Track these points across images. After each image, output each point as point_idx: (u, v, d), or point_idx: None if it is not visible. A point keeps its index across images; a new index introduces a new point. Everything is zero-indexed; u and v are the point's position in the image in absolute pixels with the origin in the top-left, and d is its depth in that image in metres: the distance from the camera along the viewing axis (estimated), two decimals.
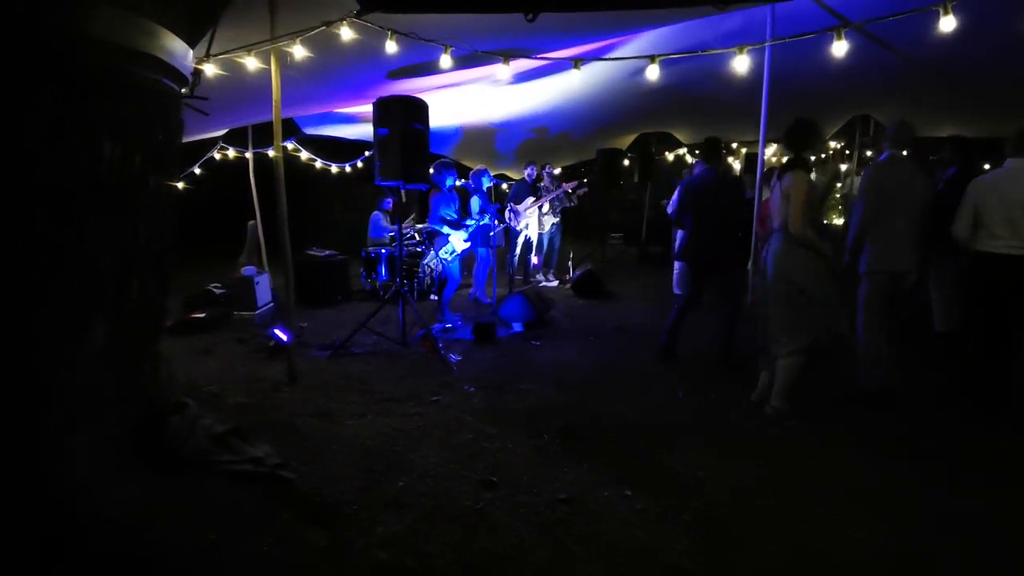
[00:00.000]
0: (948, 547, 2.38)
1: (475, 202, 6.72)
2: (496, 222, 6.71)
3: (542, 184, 8.29)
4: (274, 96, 3.94)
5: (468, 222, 6.38)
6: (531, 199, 8.04)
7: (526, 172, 8.16)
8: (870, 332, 3.87)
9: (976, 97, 6.29)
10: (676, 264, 6.73)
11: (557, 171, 9.36)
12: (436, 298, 7.32)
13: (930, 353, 4.89)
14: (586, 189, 8.63)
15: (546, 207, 8.23)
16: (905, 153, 3.89)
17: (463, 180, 7.31)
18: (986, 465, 3.09)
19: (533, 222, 8.15)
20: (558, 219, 8.53)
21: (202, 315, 5.92)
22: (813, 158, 4.90)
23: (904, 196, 3.74)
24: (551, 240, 8.62)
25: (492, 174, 7.40)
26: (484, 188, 6.89)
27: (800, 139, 3.53)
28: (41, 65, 2.00)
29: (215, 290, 6.52)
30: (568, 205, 8.56)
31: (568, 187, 8.28)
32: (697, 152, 12.00)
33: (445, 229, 6.09)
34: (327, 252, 7.40)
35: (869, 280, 3.89)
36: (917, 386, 4.13)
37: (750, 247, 5.75)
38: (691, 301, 4.77)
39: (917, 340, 5.01)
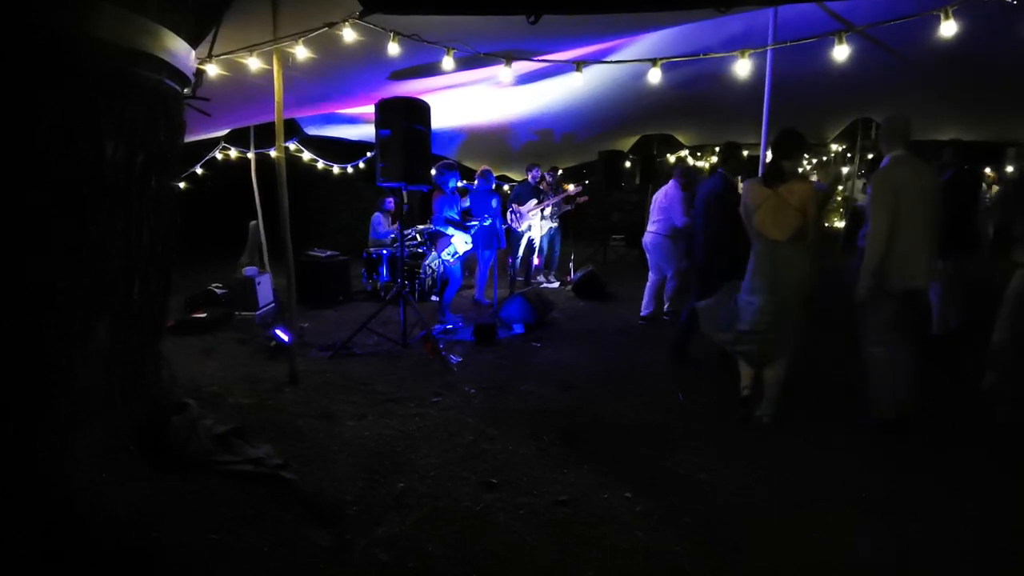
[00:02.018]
0: (952, 553, 2.38)
1: (466, 203, 6.67)
2: (500, 223, 6.71)
3: (543, 186, 8.30)
4: (276, 97, 3.95)
5: (471, 223, 6.39)
6: (534, 201, 8.05)
7: (529, 174, 8.18)
8: (882, 358, 3.48)
9: (976, 100, 6.29)
10: (649, 282, 6.35)
11: (559, 172, 9.37)
12: (437, 299, 7.33)
13: (936, 356, 4.87)
14: (586, 197, 8.65)
15: (548, 209, 8.24)
16: (907, 152, 3.45)
17: (465, 182, 7.33)
18: (998, 477, 3.04)
19: (536, 224, 8.16)
20: (556, 224, 8.52)
21: (203, 315, 5.92)
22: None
23: (917, 201, 3.34)
24: (551, 241, 8.62)
25: (495, 175, 7.40)
26: (486, 190, 6.90)
27: (795, 150, 3.57)
28: (48, 65, 2.01)
29: (216, 290, 6.52)
30: (566, 209, 8.57)
31: (571, 191, 8.29)
32: (699, 154, 12.03)
33: (449, 230, 6.11)
34: (328, 253, 7.40)
35: (883, 299, 3.44)
36: (930, 394, 3.95)
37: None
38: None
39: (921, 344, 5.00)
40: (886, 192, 3.36)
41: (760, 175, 3.45)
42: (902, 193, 3.34)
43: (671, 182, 6.15)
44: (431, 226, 6.56)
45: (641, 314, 6.22)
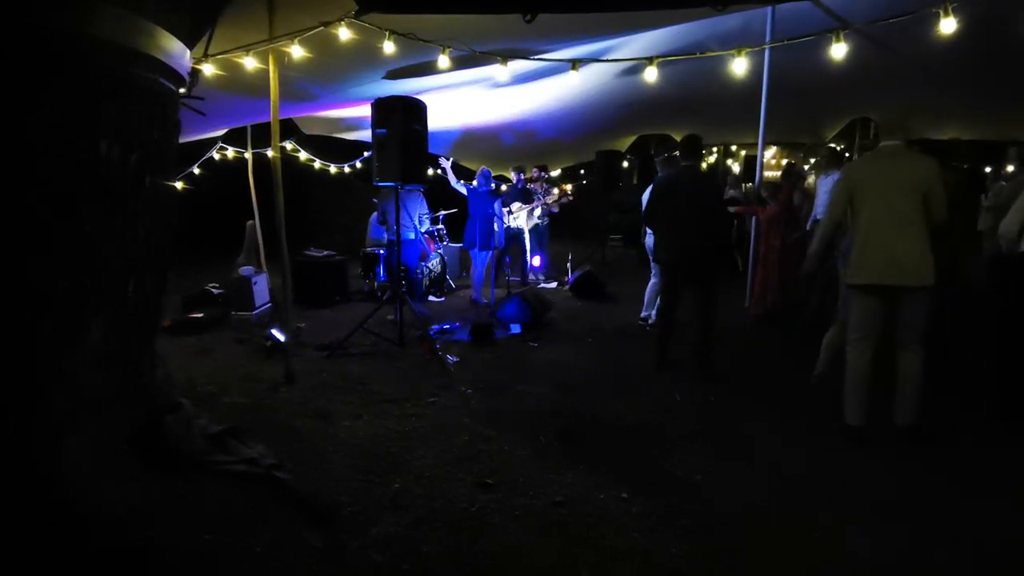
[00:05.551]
0: (955, 557, 2.37)
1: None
2: (500, 224, 6.74)
3: (532, 187, 8.31)
4: (272, 96, 3.93)
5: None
6: (518, 203, 8.07)
7: (514, 177, 8.20)
8: (848, 358, 3.37)
9: (976, 98, 6.29)
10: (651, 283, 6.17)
11: (556, 173, 9.37)
12: (434, 299, 7.34)
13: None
14: (571, 197, 8.61)
15: (538, 211, 8.24)
16: (900, 143, 3.25)
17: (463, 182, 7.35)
18: (1001, 480, 3.00)
19: (522, 221, 8.15)
20: (544, 221, 8.49)
21: (200, 315, 5.90)
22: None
23: (898, 193, 3.15)
24: (540, 238, 8.57)
25: (492, 174, 7.40)
26: (485, 190, 6.90)
27: None
28: (46, 64, 2.00)
29: (213, 290, 6.51)
30: (552, 212, 8.55)
31: (556, 193, 8.31)
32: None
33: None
34: (325, 252, 7.39)
35: (851, 297, 3.38)
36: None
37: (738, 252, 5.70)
38: (668, 309, 4.63)
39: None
40: (840, 181, 3.41)
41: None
42: (865, 183, 3.24)
43: None
44: (431, 227, 6.59)
45: (641, 315, 6.21)
